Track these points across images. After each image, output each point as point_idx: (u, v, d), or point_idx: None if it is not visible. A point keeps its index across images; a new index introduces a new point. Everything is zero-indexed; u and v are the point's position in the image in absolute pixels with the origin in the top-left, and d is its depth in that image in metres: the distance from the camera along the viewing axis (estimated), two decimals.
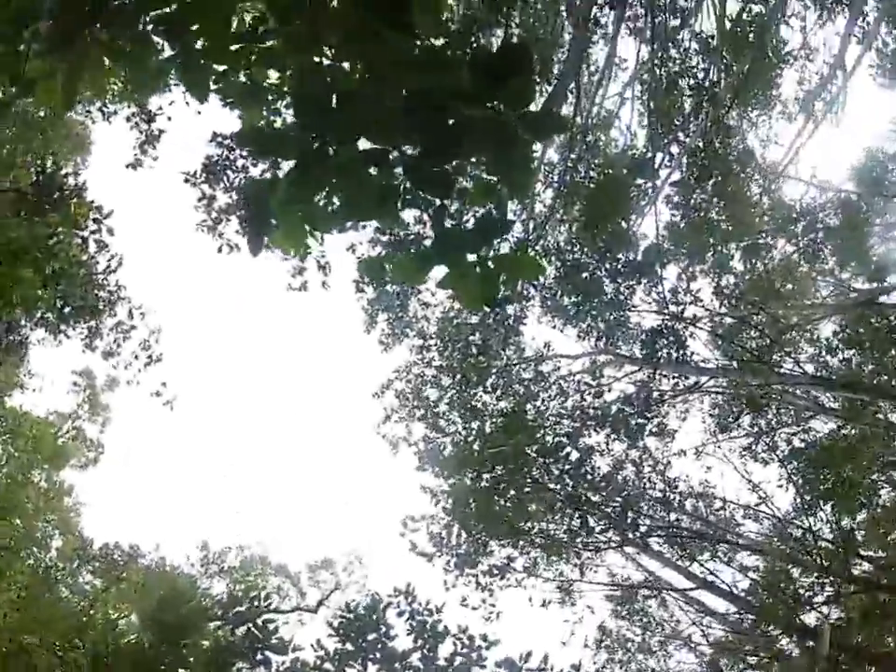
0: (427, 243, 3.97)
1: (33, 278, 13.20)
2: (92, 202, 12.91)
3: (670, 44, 14.09)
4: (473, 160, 3.54)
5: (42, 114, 14.42)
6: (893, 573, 16.13)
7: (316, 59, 3.32)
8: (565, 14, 14.12)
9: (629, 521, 16.18)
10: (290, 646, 11.79)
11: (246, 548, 21.95)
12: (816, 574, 15.58)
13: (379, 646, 12.00)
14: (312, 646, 11.45)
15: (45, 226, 12.43)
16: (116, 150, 17.74)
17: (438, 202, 3.65)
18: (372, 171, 3.52)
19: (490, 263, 3.66)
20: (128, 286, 16.86)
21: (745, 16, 13.83)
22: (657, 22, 13.86)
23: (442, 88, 3.37)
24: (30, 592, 16.44)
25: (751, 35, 13.43)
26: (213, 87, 3.73)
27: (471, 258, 3.69)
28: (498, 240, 3.85)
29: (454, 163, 3.70)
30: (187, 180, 13.25)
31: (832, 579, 15.46)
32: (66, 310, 15.94)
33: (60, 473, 23.25)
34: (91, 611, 16.85)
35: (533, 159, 3.51)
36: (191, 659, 11.97)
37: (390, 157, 3.48)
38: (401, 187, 3.57)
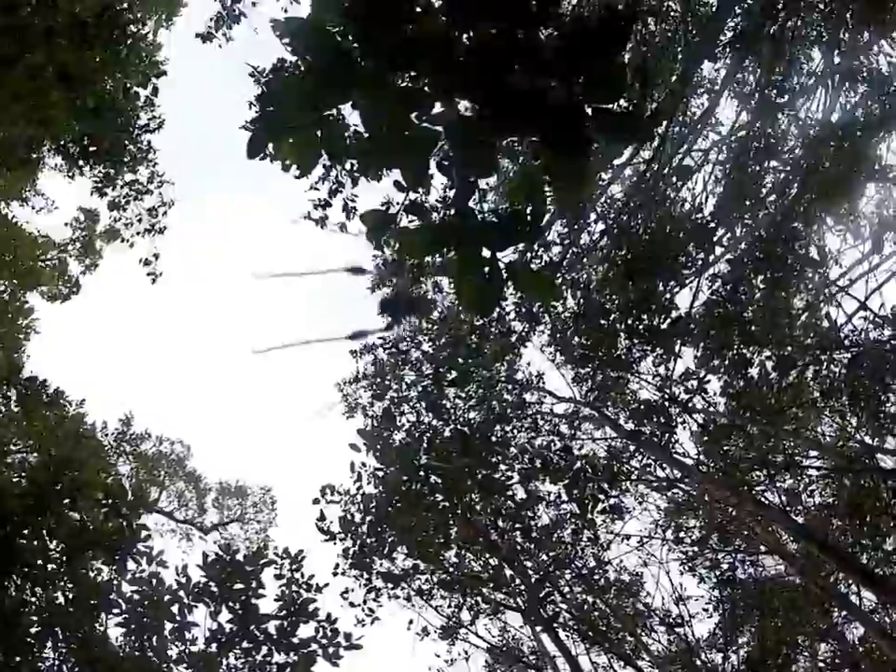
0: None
1: (68, 104, 12.77)
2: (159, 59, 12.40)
3: (770, 122, 13.62)
4: (527, 143, 2.99)
5: None
6: None
7: None
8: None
9: (543, 592, 15.68)
10: (156, 559, 11.31)
11: (167, 441, 21.54)
12: None
13: (241, 598, 11.53)
14: (175, 568, 10.99)
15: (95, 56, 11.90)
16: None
17: (471, 177, 3.13)
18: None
19: (502, 268, 3.17)
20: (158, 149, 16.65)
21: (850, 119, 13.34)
22: (763, 93, 13.45)
23: (520, 47, 2.83)
24: None
25: (850, 143, 12.87)
26: None
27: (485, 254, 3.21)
28: (522, 245, 3.32)
29: (504, 141, 3.18)
30: (252, 74, 12.67)
31: None
32: (91, 148, 15.68)
33: (26, 294, 22.87)
34: None
35: (592, 165, 2.97)
36: (52, 524, 11.44)
37: (436, 102, 2.95)
38: (437, 142, 3.04)
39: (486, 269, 3.16)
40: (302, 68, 3.09)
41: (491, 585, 16.23)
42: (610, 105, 2.94)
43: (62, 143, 16.89)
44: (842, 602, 15.93)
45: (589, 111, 2.88)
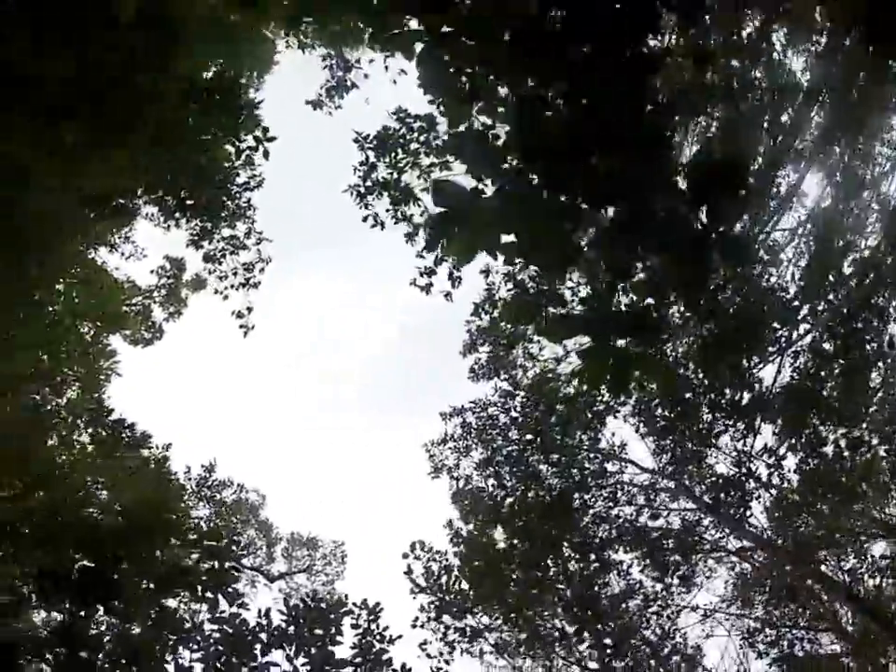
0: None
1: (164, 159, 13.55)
2: (262, 122, 13.32)
3: (854, 195, 14.00)
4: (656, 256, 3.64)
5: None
6: None
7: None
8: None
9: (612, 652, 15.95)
10: (237, 601, 11.93)
11: (246, 491, 22.30)
12: None
13: (318, 643, 12.04)
14: (259, 610, 11.56)
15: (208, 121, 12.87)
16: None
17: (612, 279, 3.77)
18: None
19: (629, 357, 3.78)
20: (258, 208, 17.49)
21: None
22: (849, 165, 13.82)
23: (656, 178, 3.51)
24: (22, 425, 16.94)
25: None
26: None
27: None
28: (647, 339, 3.94)
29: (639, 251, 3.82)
30: (356, 140, 13.64)
31: None
32: (188, 202, 16.56)
33: (109, 338, 23.85)
34: (72, 471, 17.25)
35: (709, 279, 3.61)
36: (144, 563, 12.17)
37: (583, 217, 3.62)
38: (581, 251, 3.70)
39: (613, 357, 3.79)
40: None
41: (561, 645, 16.49)
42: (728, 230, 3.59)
43: (159, 195, 17.87)
44: None
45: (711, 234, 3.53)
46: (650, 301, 3.90)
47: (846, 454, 16.06)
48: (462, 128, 4.67)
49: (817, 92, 13.57)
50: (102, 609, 12.03)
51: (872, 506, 17.74)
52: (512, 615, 15.94)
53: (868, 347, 14.42)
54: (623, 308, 3.94)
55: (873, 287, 14.17)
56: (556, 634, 16.49)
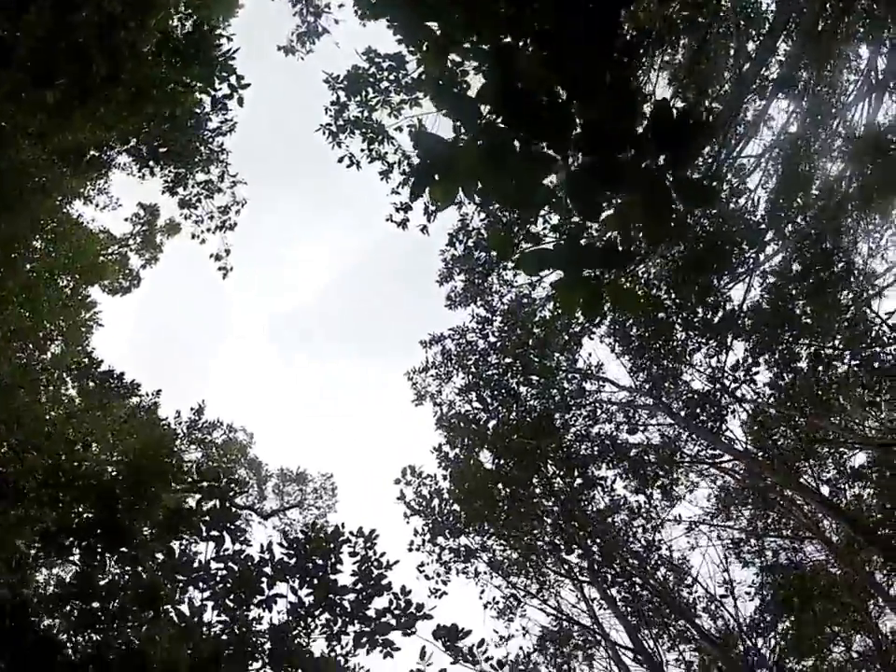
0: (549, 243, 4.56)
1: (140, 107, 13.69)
2: (235, 70, 13.42)
3: (820, 122, 14.38)
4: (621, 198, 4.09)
5: None
6: None
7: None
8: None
9: (601, 562, 16.75)
10: (240, 538, 12.50)
11: (234, 430, 22.80)
12: None
13: (320, 573, 12.68)
14: (261, 545, 12.13)
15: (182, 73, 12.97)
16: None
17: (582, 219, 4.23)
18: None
19: (600, 285, 4.26)
20: (231, 151, 17.73)
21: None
22: (814, 92, 14.19)
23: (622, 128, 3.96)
24: (10, 382, 17.27)
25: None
26: None
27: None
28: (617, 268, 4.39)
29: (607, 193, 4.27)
30: (327, 80, 13.83)
31: None
32: (162, 149, 16.69)
33: (88, 289, 24.05)
34: (65, 425, 17.63)
35: (672, 219, 4.07)
36: (149, 510, 12.70)
37: (558, 163, 4.07)
38: (556, 193, 4.16)
39: (586, 285, 4.27)
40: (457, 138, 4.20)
41: (552, 559, 17.28)
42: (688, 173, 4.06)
43: (132, 144, 17.97)
44: (878, 591, 16.75)
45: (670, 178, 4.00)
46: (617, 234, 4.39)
47: (819, 368, 16.74)
48: (438, 79, 5.07)
49: (783, 22, 13.87)
50: (111, 558, 12.58)
51: (849, 418, 18.42)
52: (504, 532, 16.74)
53: (837, 267, 14.98)
54: (593, 241, 4.38)
55: (839, 208, 14.65)
56: (546, 549, 17.28)
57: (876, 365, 16.11)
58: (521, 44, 4.44)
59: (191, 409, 20.91)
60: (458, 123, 4.32)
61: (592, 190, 3.96)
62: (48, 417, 17.95)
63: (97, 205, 24.22)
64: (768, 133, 16.01)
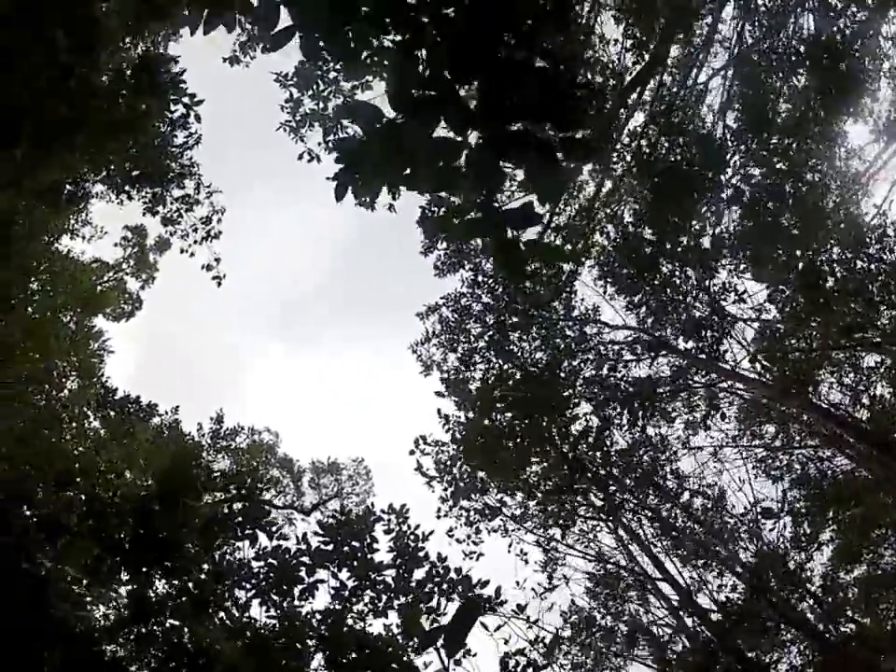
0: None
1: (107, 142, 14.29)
2: (186, 88, 13.99)
3: (774, 34, 14.71)
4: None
5: None
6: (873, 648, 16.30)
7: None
8: None
9: (632, 498, 17.32)
10: (277, 533, 13.25)
11: (258, 433, 23.55)
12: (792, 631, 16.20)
13: (358, 555, 13.41)
14: (296, 537, 12.87)
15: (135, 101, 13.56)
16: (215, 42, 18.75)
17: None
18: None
19: (522, 245, 4.88)
20: (201, 164, 18.28)
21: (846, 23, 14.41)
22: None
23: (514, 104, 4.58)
24: (35, 426, 18.01)
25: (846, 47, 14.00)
26: None
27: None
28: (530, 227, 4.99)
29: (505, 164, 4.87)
30: (277, 80, 14.39)
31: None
32: (134, 173, 17.31)
33: (92, 320, 24.66)
34: (94, 457, 18.38)
35: (563, 178, 4.66)
36: (185, 522, 13.47)
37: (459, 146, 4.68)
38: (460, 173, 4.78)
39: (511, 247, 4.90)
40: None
41: (576, 499, 17.87)
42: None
43: (105, 174, 18.59)
44: None
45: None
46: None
47: (815, 276, 17.10)
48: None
49: None
50: (158, 574, 13.38)
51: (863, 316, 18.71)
52: (527, 485, 17.39)
53: (813, 174, 15.36)
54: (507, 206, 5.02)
55: (804, 117, 14.97)
56: (571, 496, 17.86)
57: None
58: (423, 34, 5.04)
59: (210, 419, 21.65)
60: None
61: (489, 164, 4.57)
62: (76, 453, 18.72)
63: (83, 237, 24.84)
64: (724, 54, 16.38)
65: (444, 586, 13.16)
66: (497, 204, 5.18)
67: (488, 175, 4.68)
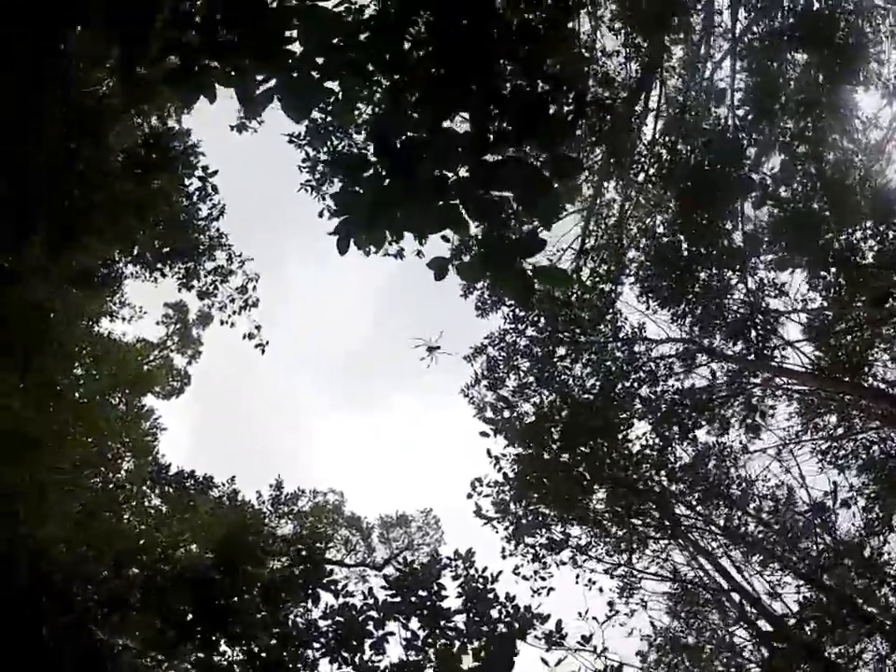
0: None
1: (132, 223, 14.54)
2: (199, 161, 14.21)
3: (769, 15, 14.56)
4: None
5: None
6: None
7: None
8: None
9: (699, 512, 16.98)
10: (342, 591, 13.19)
11: (320, 494, 23.61)
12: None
13: (427, 603, 13.28)
14: (362, 592, 12.80)
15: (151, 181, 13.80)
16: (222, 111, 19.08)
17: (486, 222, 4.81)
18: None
19: (527, 272, 4.83)
20: (229, 233, 18.52)
21: None
22: None
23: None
24: (93, 508, 18.21)
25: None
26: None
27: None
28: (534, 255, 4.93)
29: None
30: (291, 141, 14.57)
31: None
32: (165, 250, 17.58)
33: (142, 399, 24.94)
34: (155, 533, 18.54)
35: (557, 195, 4.62)
36: (247, 588, 13.49)
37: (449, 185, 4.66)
38: (459, 210, 4.75)
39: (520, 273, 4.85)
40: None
41: (645, 520, 17.53)
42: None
43: (136, 254, 18.89)
44: None
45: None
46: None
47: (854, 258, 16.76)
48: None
49: None
50: (224, 640, 13.41)
51: None
52: (590, 515, 17.09)
53: (833, 152, 15.12)
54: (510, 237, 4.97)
55: (814, 95, 14.79)
56: (639, 518, 17.46)
57: None
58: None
59: (269, 486, 21.71)
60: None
61: (479, 196, 4.55)
62: (137, 531, 18.90)
63: (123, 318, 25.21)
64: (725, 46, 16.25)
65: (516, 625, 13.00)
66: (498, 233, 5.17)
67: (485, 209, 4.65)
